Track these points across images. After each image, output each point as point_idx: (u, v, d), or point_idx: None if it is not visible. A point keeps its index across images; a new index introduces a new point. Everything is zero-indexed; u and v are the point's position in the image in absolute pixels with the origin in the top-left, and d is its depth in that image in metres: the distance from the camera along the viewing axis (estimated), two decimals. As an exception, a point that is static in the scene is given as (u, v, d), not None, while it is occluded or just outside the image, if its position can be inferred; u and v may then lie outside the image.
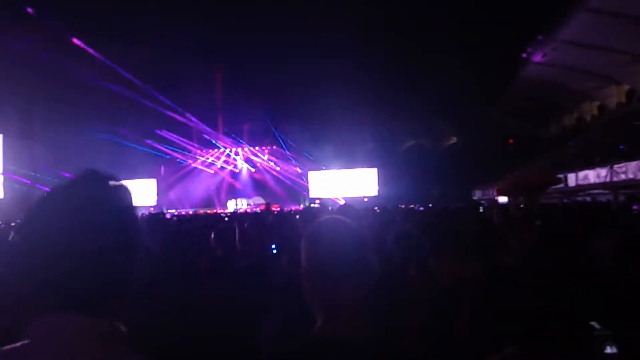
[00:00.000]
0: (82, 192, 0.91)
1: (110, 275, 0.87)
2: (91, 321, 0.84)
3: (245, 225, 4.26)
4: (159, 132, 35.61)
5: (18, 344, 0.82)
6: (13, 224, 8.56)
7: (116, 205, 0.93)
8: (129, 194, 0.97)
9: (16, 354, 0.81)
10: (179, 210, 32.05)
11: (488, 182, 31.78)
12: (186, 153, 38.49)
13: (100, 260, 0.85)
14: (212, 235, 3.98)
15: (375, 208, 14.08)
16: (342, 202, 26.11)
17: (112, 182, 0.95)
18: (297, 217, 8.05)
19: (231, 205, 34.05)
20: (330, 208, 9.64)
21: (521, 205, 9.20)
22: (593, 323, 1.54)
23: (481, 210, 10.30)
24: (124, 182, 0.97)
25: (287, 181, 38.38)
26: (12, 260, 0.88)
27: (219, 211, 29.14)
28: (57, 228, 0.85)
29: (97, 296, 0.86)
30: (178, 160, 38.80)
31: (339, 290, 1.20)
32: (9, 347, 0.82)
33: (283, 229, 5.03)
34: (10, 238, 0.91)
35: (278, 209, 26.56)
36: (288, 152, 38.66)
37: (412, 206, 17.55)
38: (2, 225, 8.79)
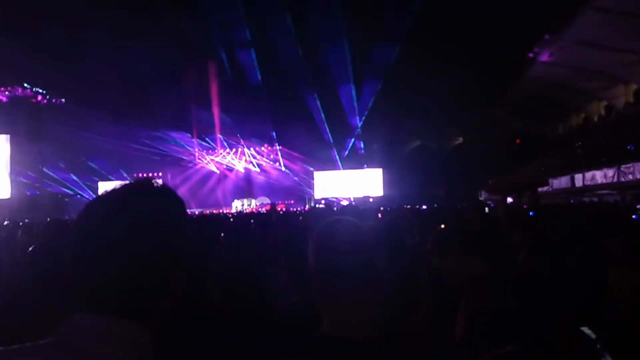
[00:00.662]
0: (133, 199, 0.91)
1: (151, 281, 0.87)
2: (117, 324, 0.83)
3: (252, 224, 4.26)
4: (164, 132, 35.76)
5: (41, 342, 0.82)
6: (21, 223, 8.61)
7: (165, 214, 0.92)
8: (181, 204, 0.96)
9: (38, 351, 0.80)
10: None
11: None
12: (192, 154, 38.65)
13: (143, 266, 0.85)
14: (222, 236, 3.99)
15: (381, 208, 14.06)
16: (345, 203, 26.10)
17: (164, 191, 0.96)
18: (301, 218, 8.06)
19: (237, 206, 34.15)
20: (335, 209, 9.64)
21: (524, 206, 9.16)
22: (584, 329, 1.53)
23: (487, 210, 10.26)
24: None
25: (292, 181, 38.45)
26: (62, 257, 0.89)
27: (224, 211, 29.24)
28: (106, 232, 0.85)
29: (133, 301, 0.85)
30: (184, 160, 38.97)
31: (347, 291, 1.20)
32: (31, 344, 0.81)
33: (286, 228, 5.03)
34: (18, 237, 0.91)
35: (284, 209, 26.61)
36: (293, 153, 38.71)
37: (417, 207, 17.52)
38: (10, 224, 8.84)
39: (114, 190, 0.93)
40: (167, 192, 0.96)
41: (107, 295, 0.84)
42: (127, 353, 0.82)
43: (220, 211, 29.34)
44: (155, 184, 0.96)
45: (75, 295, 0.86)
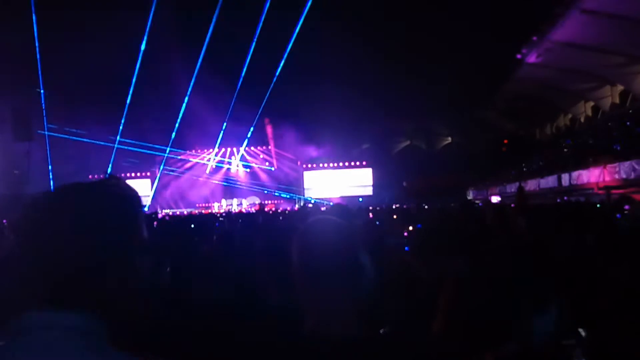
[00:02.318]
0: (88, 194, 0.93)
1: (106, 274, 0.88)
2: (67, 316, 0.84)
3: (239, 225, 4.27)
4: (153, 131, 35.50)
5: None
6: (5, 222, 8.52)
7: (119, 207, 0.94)
8: (136, 196, 0.98)
9: None
10: (173, 211, 32.02)
11: (483, 182, 31.92)
12: (181, 153, 38.41)
13: (98, 259, 0.86)
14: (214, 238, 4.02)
15: (370, 207, 14.10)
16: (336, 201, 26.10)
17: (118, 185, 0.97)
18: (281, 218, 8.04)
19: (226, 205, 34.04)
20: (323, 208, 9.66)
21: (512, 205, 9.27)
22: (580, 330, 1.56)
23: (474, 209, 10.31)
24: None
25: (282, 181, 38.40)
26: (11, 255, 0.89)
27: (213, 211, 29.13)
28: (61, 227, 0.86)
29: (87, 293, 0.86)
30: (173, 160, 38.72)
31: (329, 289, 1.21)
32: None
33: (270, 229, 5.05)
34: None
35: (273, 208, 26.57)
36: (284, 152, 38.66)
37: (404, 206, 17.59)
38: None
39: (54, 190, 0.94)
40: (111, 188, 0.96)
41: (52, 290, 0.85)
42: (82, 344, 0.82)
43: (210, 211, 29.26)
44: (100, 183, 0.96)
45: (21, 293, 0.86)
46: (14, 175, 28.26)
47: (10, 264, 0.87)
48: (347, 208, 4.14)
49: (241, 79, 28.81)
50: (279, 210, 19.51)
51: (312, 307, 1.25)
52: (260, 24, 25.36)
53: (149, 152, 36.35)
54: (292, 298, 1.32)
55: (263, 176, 38.79)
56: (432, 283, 1.73)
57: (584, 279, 1.87)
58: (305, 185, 38.30)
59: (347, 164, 38.23)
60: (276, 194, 37.63)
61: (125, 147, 32.41)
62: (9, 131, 26.71)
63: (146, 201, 37.43)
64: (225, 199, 35.37)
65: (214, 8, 24.95)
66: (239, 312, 2.61)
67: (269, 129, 37.18)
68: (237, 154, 39.15)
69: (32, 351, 0.80)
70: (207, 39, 26.28)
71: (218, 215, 14.65)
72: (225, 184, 38.29)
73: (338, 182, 37.11)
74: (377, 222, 5.77)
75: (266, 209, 19.87)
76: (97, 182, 0.96)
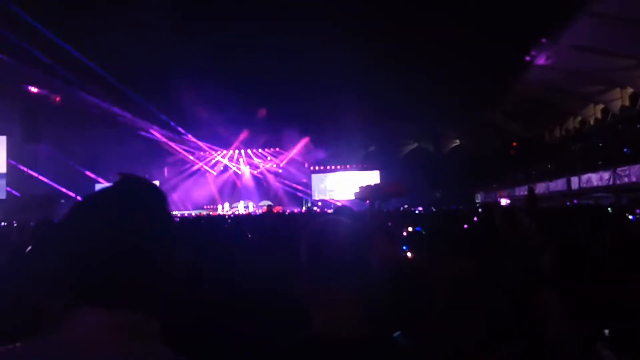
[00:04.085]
0: (120, 195, 0.95)
1: (143, 273, 0.89)
2: (120, 315, 0.85)
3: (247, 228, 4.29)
4: (161, 132, 35.69)
5: (45, 338, 0.82)
6: (15, 224, 8.59)
7: (152, 208, 0.96)
8: (165, 197, 1.00)
9: (46, 348, 0.81)
10: (181, 212, 32.13)
11: (491, 185, 31.79)
12: (190, 155, 38.60)
13: (134, 259, 0.88)
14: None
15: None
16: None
17: (148, 185, 0.99)
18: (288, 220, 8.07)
19: (234, 207, 34.13)
20: (330, 210, 9.70)
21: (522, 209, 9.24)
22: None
23: (481, 212, 10.28)
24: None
25: (289, 183, 38.46)
26: (46, 257, 0.90)
27: (221, 213, 29.22)
28: (94, 229, 0.88)
29: (128, 293, 0.87)
30: (181, 162, 38.91)
31: (337, 288, 1.21)
32: (34, 340, 0.82)
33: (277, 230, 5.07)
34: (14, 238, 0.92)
35: (280, 210, 26.60)
36: (291, 154, 38.72)
37: (412, 209, 17.55)
38: (4, 225, 8.81)
39: (99, 191, 0.97)
40: (149, 188, 0.99)
41: (100, 290, 0.85)
42: (137, 342, 0.83)
43: (218, 213, 29.35)
44: (138, 182, 0.99)
45: (70, 293, 0.87)
46: (23, 177, 28.50)
47: (36, 265, 0.88)
48: (351, 210, 4.13)
49: (248, 81, 28.97)
50: (287, 213, 19.53)
51: (319, 305, 1.24)
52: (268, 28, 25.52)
53: (157, 152, 36.63)
54: (299, 298, 1.32)
55: (271, 178, 38.88)
56: (437, 283, 1.73)
57: (599, 279, 1.85)
58: (313, 188, 38.33)
59: (354, 166, 38.23)
60: (283, 196, 37.69)
61: (135, 147, 32.60)
62: (17, 132, 27.00)
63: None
64: (233, 201, 35.46)
65: (226, 10, 25.10)
66: (246, 312, 2.61)
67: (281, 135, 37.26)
68: (245, 155, 39.30)
69: (85, 348, 0.80)
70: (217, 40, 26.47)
71: (226, 217, 14.68)
72: (232, 186, 38.45)
73: (345, 185, 37.10)
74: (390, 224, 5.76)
75: (274, 211, 19.89)
76: (130, 183, 0.98)
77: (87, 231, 0.88)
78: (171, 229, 0.97)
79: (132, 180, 0.98)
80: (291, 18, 25.16)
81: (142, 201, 0.95)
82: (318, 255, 1.26)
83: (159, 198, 0.98)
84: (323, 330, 1.20)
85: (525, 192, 17.64)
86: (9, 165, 28.57)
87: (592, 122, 27.74)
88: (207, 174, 39.07)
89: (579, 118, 29.38)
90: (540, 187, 23.49)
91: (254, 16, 25.97)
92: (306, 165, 38.85)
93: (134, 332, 0.84)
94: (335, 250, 1.24)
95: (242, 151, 39.32)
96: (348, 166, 38.31)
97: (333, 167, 38.44)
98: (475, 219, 5.21)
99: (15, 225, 8.06)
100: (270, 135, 37.68)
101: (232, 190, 38.04)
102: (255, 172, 39.20)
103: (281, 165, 39.05)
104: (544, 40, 20.83)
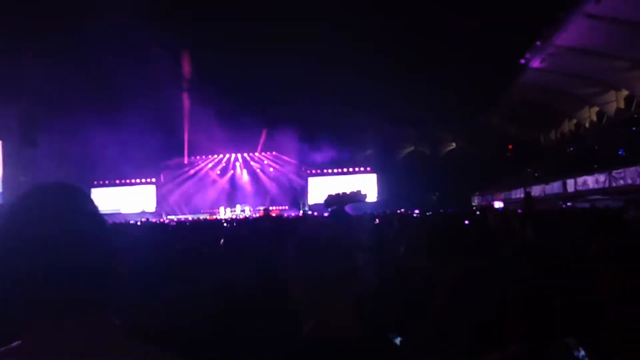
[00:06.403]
0: (51, 201, 0.92)
1: (88, 278, 0.88)
2: (83, 322, 0.85)
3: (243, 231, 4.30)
4: (157, 137, 35.61)
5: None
6: None
7: (85, 211, 0.94)
8: (91, 200, 0.98)
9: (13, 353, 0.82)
10: (178, 217, 32.07)
11: (487, 188, 31.84)
12: (187, 159, 38.54)
13: (75, 265, 0.86)
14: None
15: (374, 213, 14.07)
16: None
17: (74, 190, 0.97)
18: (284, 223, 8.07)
19: (231, 211, 34.08)
20: (326, 214, 9.64)
21: (519, 211, 9.26)
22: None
23: (477, 214, 10.29)
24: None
25: (286, 187, 38.44)
26: None
27: (218, 217, 29.17)
28: (30, 238, 0.85)
29: (81, 299, 0.86)
30: (178, 166, 38.85)
31: (330, 292, 1.21)
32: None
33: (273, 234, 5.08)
34: None
35: (277, 214, 26.57)
36: (288, 158, 38.72)
37: (409, 212, 17.55)
38: None
39: (24, 196, 0.94)
40: (74, 191, 0.97)
41: (51, 301, 0.84)
42: (103, 344, 0.84)
43: (215, 217, 29.30)
44: (62, 186, 0.96)
45: (23, 305, 0.86)
46: (20, 182, 28.37)
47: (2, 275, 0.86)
48: (347, 213, 4.13)
49: (245, 85, 28.98)
50: (284, 216, 19.51)
51: (312, 309, 1.24)
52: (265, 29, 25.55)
53: (153, 157, 36.54)
54: (290, 300, 1.33)
55: (267, 182, 38.84)
56: (431, 285, 1.74)
57: (591, 279, 1.86)
58: (310, 191, 38.30)
59: (351, 169, 38.24)
60: (280, 199, 37.65)
61: (130, 152, 32.51)
62: (15, 138, 26.90)
63: (151, 207, 37.52)
64: (230, 205, 35.39)
65: (220, 15, 25.13)
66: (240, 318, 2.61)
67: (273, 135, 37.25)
68: (242, 160, 39.27)
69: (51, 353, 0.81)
70: (212, 46, 26.47)
71: (223, 221, 14.65)
72: (229, 190, 38.38)
73: (342, 188, 36.97)
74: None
75: (271, 215, 19.86)
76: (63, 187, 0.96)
77: (23, 242, 0.85)
78: (98, 225, 0.95)
79: (43, 188, 0.95)
80: (287, 20, 25.21)
81: (73, 206, 0.93)
82: (308, 259, 1.26)
83: (75, 197, 0.95)
84: (317, 333, 1.20)
85: (522, 195, 17.68)
86: (5, 171, 28.43)
87: (587, 125, 27.82)
88: (204, 178, 39.02)
89: (575, 121, 29.46)
90: (536, 190, 23.54)
91: (253, 17, 26.03)
92: (303, 168, 38.85)
93: (100, 333, 0.85)
94: (325, 253, 1.24)
95: (239, 155, 39.30)
96: (345, 170, 38.32)
97: (330, 171, 38.43)
98: (467, 222, 5.21)
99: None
100: (268, 139, 37.72)
101: (229, 194, 37.98)
102: (252, 175, 39.16)
103: (278, 168, 39.05)
104: (538, 42, 20.89)
